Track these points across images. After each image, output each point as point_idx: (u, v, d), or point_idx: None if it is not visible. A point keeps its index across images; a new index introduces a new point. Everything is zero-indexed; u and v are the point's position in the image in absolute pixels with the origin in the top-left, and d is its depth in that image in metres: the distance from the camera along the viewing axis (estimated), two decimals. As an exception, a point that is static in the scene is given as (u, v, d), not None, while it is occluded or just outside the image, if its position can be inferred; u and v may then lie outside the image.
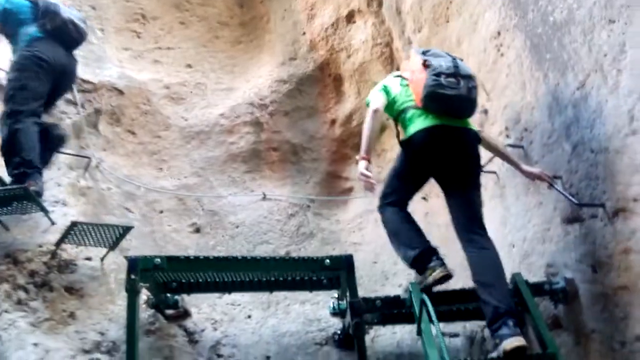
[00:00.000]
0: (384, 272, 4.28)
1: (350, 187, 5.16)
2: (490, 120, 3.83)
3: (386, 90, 3.23)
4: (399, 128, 3.23)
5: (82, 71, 4.95)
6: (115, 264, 3.70)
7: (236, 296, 3.95)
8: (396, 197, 3.14)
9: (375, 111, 3.13)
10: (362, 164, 3.06)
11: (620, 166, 2.58)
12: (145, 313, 3.50)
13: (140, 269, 2.98)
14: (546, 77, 3.16)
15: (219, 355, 3.50)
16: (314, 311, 3.91)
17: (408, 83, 3.17)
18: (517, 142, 3.48)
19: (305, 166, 5.26)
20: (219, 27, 6.13)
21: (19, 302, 3.14)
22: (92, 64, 5.16)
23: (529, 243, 3.33)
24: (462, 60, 3.14)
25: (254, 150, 5.22)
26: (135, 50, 5.70)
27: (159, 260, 3.03)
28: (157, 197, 4.75)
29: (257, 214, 4.79)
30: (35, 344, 2.94)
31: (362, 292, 3.30)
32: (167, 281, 3.40)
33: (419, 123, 3.02)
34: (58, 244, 3.51)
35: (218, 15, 6.16)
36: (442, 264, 2.94)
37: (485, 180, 3.93)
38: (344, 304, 3.36)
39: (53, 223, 3.72)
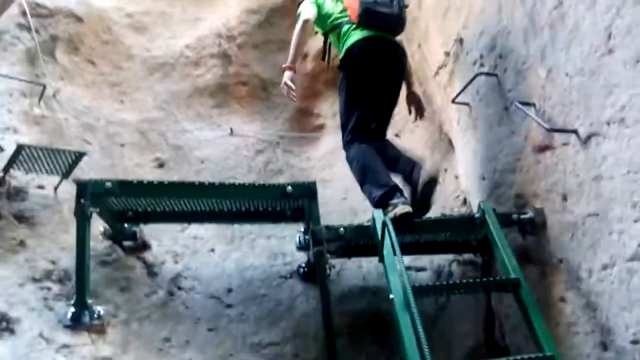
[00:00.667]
0: (352, 209, 4.18)
1: (322, 124, 5.00)
2: (466, 49, 3.67)
3: (318, 4, 3.32)
4: (327, 46, 3.41)
5: (37, -5, 4.66)
6: (69, 194, 3.48)
7: (199, 230, 3.83)
8: (356, 128, 3.17)
9: (306, 21, 3.24)
10: (288, 74, 3.21)
11: (595, 88, 2.45)
12: (102, 244, 3.37)
13: (91, 193, 2.83)
14: (523, -1, 2.99)
15: (179, 288, 3.40)
16: (279, 245, 3.81)
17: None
18: (490, 71, 3.34)
19: (275, 102, 5.06)
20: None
21: (-35, 229, 2.97)
22: (49, -12, 4.82)
23: (500, 174, 3.24)
24: None
25: (221, 85, 5.01)
26: (97, -23, 5.34)
27: (109, 184, 2.87)
28: (119, 130, 4.53)
29: (224, 150, 4.64)
30: (-19, 272, 2.79)
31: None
32: (122, 210, 3.25)
33: (356, 35, 3.16)
34: (6, 169, 3.31)
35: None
36: (405, 202, 2.92)
37: (458, 112, 3.81)
38: (308, 236, 3.26)
39: (2, 149, 3.51)
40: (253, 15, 5.22)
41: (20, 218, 3.22)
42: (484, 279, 2.83)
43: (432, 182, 3.07)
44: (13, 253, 3.03)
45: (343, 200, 4.28)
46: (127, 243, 3.44)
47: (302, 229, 3.46)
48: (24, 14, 4.50)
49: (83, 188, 2.84)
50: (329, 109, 5.04)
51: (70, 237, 3.22)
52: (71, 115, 4.33)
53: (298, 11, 3.35)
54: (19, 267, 2.97)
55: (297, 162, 4.70)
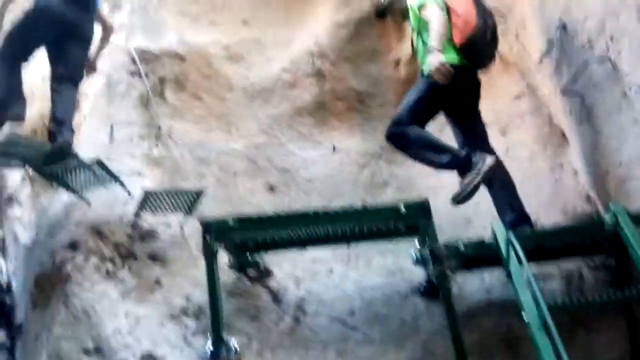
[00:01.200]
0: (465, 216, 4.04)
1: (422, 129, 4.90)
2: (570, 34, 3.43)
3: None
4: (417, 43, 3.49)
5: (142, 41, 5.00)
6: (194, 229, 3.74)
7: (317, 253, 3.90)
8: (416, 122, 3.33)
9: (445, 19, 3.29)
10: (440, 55, 3.16)
11: None
12: (229, 276, 3.54)
13: (215, 231, 2.99)
14: (634, -25, 2.74)
15: (304, 313, 3.49)
16: (395, 262, 3.78)
17: (451, 12, 3.34)
18: (602, 55, 3.10)
19: (373, 113, 5.04)
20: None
21: (108, 273, 3.27)
22: (150, 33, 5.15)
23: (626, 167, 3.00)
24: None
25: (318, 102, 5.05)
26: (192, 14, 5.62)
27: (231, 221, 3.02)
28: (229, 160, 4.74)
29: (329, 167, 4.68)
30: (127, 313, 3.05)
31: (444, 238, 3.15)
32: (244, 241, 3.41)
33: (451, 55, 3.26)
34: (136, 214, 3.61)
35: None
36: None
37: (569, 102, 3.58)
38: (426, 251, 3.21)
39: (130, 194, 3.82)
40: (342, 29, 5.23)
41: (154, 257, 3.48)
42: (626, 291, 2.61)
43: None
44: (151, 292, 3.29)
45: (454, 208, 4.16)
46: (251, 272, 3.60)
47: (417, 244, 3.41)
48: (133, 61, 4.86)
49: (207, 227, 3.02)
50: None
51: (200, 272, 3.43)
52: (186, 151, 4.61)
53: (420, 2, 3.37)
54: (158, 305, 3.21)
55: (402, 172, 4.63)
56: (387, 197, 4.45)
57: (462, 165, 3.17)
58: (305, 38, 5.42)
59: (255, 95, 5.16)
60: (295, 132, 4.99)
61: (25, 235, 4.89)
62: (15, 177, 5.41)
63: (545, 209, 3.85)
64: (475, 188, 3.14)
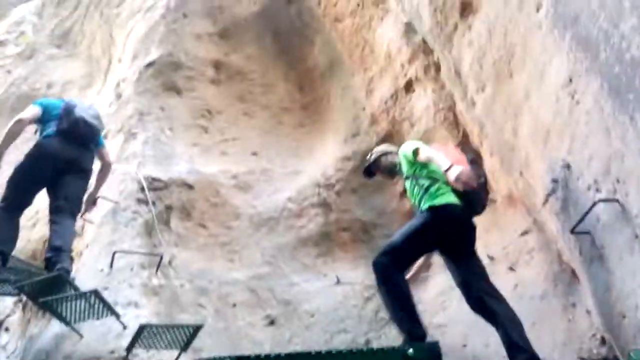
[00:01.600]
0: (475, 356, 3.83)
1: (429, 263, 4.81)
2: (575, 174, 3.45)
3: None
4: (411, 187, 3.67)
5: (152, 170, 5.13)
6: (187, 366, 3.55)
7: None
8: (405, 259, 3.50)
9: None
10: (456, 167, 3.33)
11: None
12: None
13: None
14: (633, 120, 2.80)
15: None
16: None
17: None
18: (609, 196, 3.08)
19: (378, 244, 4.97)
20: (281, 113, 6.21)
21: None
22: (162, 162, 5.31)
23: (644, 312, 2.85)
24: None
25: (324, 233, 5.05)
26: (204, 144, 5.83)
27: (227, 361, 2.84)
28: (230, 290, 4.64)
29: (332, 300, 4.55)
30: None
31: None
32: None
33: (451, 197, 3.48)
34: (129, 349, 3.44)
35: (280, 101, 6.26)
36: None
37: (579, 241, 3.51)
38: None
39: (125, 327, 3.68)
40: (347, 161, 5.38)
41: (142, 398, 3.24)
42: None
43: None
44: None
45: (463, 347, 3.95)
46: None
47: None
48: (142, 189, 4.94)
49: (201, 368, 2.83)
50: (435, 246, 4.88)
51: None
52: (186, 281, 4.52)
53: (414, 148, 3.65)
54: None
55: (409, 307, 4.47)
56: (392, 333, 4.23)
57: (410, 339, 3.11)
58: (312, 169, 5.56)
59: (261, 224, 5.18)
60: (298, 263, 4.92)
61: (11, 366, 4.66)
62: (7, 302, 5.29)
63: (560, 351, 3.64)
64: None
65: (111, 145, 5.54)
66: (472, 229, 3.58)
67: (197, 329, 3.51)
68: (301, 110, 6.29)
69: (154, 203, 4.87)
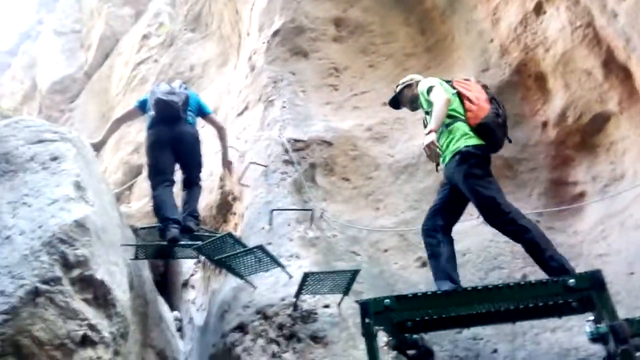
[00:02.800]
0: (646, 283, 3.64)
1: (582, 192, 4.58)
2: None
3: (444, 88, 3.80)
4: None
5: (293, 132, 5.44)
6: (352, 309, 3.82)
7: (478, 329, 3.74)
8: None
9: (447, 100, 3.67)
10: (433, 135, 3.51)
11: None
12: (388, 356, 3.51)
13: (373, 312, 3.02)
14: None
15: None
16: (568, 338, 3.48)
17: (464, 99, 3.76)
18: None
19: (524, 178, 4.85)
20: (406, 60, 6.15)
21: (274, 355, 3.43)
22: (300, 123, 5.59)
23: None
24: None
25: (465, 173, 5.01)
26: (335, 102, 6.02)
27: (388, 301, 3.04)
28: (380, 237, 4.83)
29: (482, 239, 4.53)
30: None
31: (622, 311, 2.85)
32: (401, 321, 3.38)
33: (475, 139, 3.63)
34: (297, 295, 3.79)
35: (402, 48, 6.21)
36: None
37: None
38: (603, 326, 2.91)
39: (290, 276, 4.05)
40: (482, 96, 5.21)
41: (315, 339, 3.58)
42: None
43: None
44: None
45: (630, 275, 3.76)
46: (410, 352, 3.53)
47: (592, 317, 3.11)
48: (286, 151, 5.27)
49: (365, 308, 3.06)
50: (586, 174, 4.61)
51: (359, 353, 3.47)
52: (338, 232, 4.80)
53: (429, 85, 3.82)
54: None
55: (564, 239, 4.32)
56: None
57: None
58: (445, 111, 5.48)
59: (400, 171, 5.28)
60: (443, 205, 4.95)
61: (198, 317, 5.36)
62: (189, 263, 6.03)
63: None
64: None
65: (254, 114, 5.95)
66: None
67: (355, 273, 3.75)
68: (425, 53, 6.17)
69: (299, 163, 5.18)
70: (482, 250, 4.48)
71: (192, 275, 5.91)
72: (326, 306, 3.85)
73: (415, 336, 3.53)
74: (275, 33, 6.29)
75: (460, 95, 3.79)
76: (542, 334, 3.57)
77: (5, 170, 3.68)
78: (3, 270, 3.01)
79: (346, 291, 3.84)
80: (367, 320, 3.02)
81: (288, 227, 4.61)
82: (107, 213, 3.93)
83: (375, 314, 3.06)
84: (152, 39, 8.96)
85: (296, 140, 5.37)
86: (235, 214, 5.59)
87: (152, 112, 4.98)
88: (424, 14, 6.27)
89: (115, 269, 3.52)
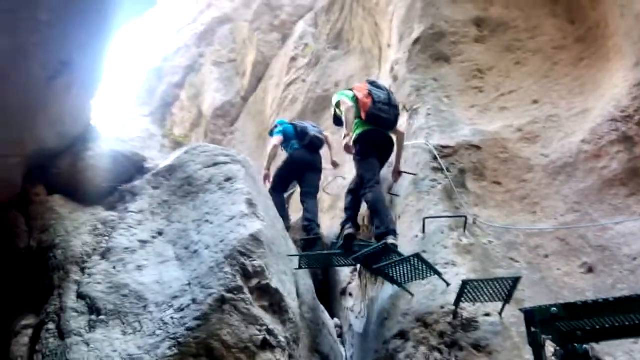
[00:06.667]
0: None
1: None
2: None
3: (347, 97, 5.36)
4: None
5: (439, 138, 5.47)
6: (514, 317, 3.77)
7: (656, 339, 3.47)
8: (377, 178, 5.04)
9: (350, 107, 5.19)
10: (348, 139, 5.00)
11: None
12: (555, 365, 3.40)
13: (539, 320, 2.96)
14: None
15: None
16: None
17: (358, 100, 5.24)
18: None
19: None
20: (555, 53, 5.87)
21: (436, 362, 3.50)
22: (446, 129, 5.60)
23: None
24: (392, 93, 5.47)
25: (631, 169, 4.62)
26: (481, 104, 5.93)
27: (555, 309, 2.94)
28: (539, 242, 4.67)
29: (656, 241, 4.18)
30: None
31: None
32: (570, 330, 3.25)
33: (362, 128, 5.17)
34: (456, 303, 3.82)
35: (550, 41, 5.93)
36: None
37: None
38: None
39: (448, 284, 4.09)
40: (647, 88, 4.79)
41: (478, 347, 3.59)
42: None
43: None
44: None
45: None
46: (580, 363, 3.38)
47: None
48: (435, 158, 5.31)
49: (530, 316, 3.00)
50: None
51: (526, 362, 3.40)
52: (493, 237, 4.72)
53: (336, 101, 5.50)
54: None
55: None
56: None
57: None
58: (603, 104, 5.12)
59: (557, 172, 5.04)
60: (607, 206, 4.64)
61: (357, 324, 5.60)
62: (346, 272, 6.32)
63: None
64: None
65: (399, 124, 6.08)
66: (388, 142, 5.32)
67: (516, 280, 3.69)
68: (576, 43, 5.83)
69: (448, 169, 5.18)
70: (658, 254, 4.12)
71: (349, 283, 6.18)
72: (487, 314, 3.82)
73: (585, 346, 3.36)
74: (416, 41, 6.37)
75: (356, 99, 5.21)
76: None
77: (188, 192, 4.24)
78: (194, 281, 3.48)
79: (508, 299, 3.78)
80: (533, 329, 2.96)
81: (441, 235, 4.64)
82: (275, 226, 4.32)
83: (541, 322, 2.99)
84: (299, 60, 9.53)
85: (443, 147, 5.39)
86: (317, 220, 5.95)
87: (303, 142, 6.40)
88: (571, 2, 5.94)
89: (285, 278, 3.86)
